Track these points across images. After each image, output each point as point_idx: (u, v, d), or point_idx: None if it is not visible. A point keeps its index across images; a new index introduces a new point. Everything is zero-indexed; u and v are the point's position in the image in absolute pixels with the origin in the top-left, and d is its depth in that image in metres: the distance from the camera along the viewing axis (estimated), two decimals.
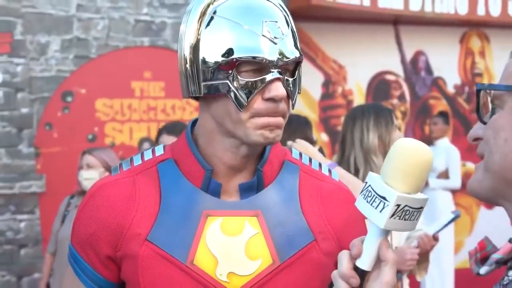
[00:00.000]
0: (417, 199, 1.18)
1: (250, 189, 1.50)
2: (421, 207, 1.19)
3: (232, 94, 1.40)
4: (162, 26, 7.13)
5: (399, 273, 3.25)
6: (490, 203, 1.08)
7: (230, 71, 1.41)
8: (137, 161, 1.56)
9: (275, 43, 1.41)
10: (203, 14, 1.45)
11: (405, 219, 1.18)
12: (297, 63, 1.47)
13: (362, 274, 1.19)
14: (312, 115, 8.22)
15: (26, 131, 6.46)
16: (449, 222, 3.54)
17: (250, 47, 1.40)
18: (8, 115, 6.38)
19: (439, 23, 8.85)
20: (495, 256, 1.03)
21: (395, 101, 8.76)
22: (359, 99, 8.45)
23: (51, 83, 6.64)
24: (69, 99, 6.72)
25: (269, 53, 1.40)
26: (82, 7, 6.76)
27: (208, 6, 1.45)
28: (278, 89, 1.40)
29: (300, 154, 1.64)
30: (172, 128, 4.04)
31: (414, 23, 8.74)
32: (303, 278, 1.47)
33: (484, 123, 1.07)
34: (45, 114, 6.62)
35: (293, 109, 1.49)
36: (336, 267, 1.42)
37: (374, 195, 1.19)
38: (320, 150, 3.49)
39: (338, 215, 1.55)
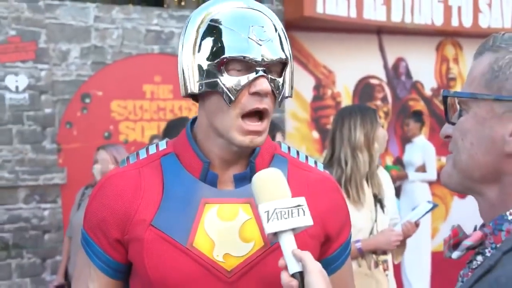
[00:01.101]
0: (281, 201, 1.29)
1: (243, 179, 1.50)
2: (298, 205, 1.30)
3: (221, 90, 1.41)
4: (170, 35, 7.14)
5: (385, 252, 3.26)
6: (460, 193, 1.09)
7: (220, 70, 1.42)
8: (143, 155, 1.57)
9: (260, 45, 1.41)
10: (201, 22, 1.46)
11: (285, 218, 1.28)
12: (284, 65, 1.47)
13: (303, 276, 1.26)
14: (305, 115, 8.27)
15: (49, 129, 6.48)
16: (429, 211, 3.53)
17: (237, 48, 1.40)
18: (33, 115, 6.39)
19: (418, 33, 8.86)
20: (466, 242, 1.03)
21: (378, 102, 8.77)
22: (346, 101, 8.46)
23: (71, 86, 6.65)
24: (87, 100, 6.72)
25: (254, 53, 1.40)
26: (99, 18, 6.78)
27: (206, 16, 1.46)
28: (262, 84, 1.40)
29: (289, 148, 1.64)
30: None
31: (395, 32, 8.74)
32: None
33: (453, 123, 1.07)
34: (66, 114, 6.63)
35: (279, 106, 1.50)
36: (320, 248, 1.54)
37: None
38: None
39: (323, 202, 1.54)
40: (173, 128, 4.02)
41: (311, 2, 7.60)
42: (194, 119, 1.57)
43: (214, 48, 1.43)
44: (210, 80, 1.43)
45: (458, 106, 1.06)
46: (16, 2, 6.32)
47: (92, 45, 6.74)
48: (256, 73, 1.41)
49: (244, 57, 1.40)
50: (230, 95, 1.40)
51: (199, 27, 1.47)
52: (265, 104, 1.42)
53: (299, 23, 7.60)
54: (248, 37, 1.41)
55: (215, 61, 1.42)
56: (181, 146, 1.53)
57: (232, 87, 1.41)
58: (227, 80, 1.41)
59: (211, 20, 1.45)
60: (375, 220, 3.27)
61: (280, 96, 1.47)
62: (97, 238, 1.52)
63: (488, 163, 1.00)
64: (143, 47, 7.00)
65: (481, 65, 1.03)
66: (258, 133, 1.43)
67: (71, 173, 6.34)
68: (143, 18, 7.01)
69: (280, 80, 1.46)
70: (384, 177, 3.49)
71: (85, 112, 6.71)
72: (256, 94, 1.41)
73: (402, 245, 3.39)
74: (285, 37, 1.50)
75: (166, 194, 1.49)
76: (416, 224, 3.36)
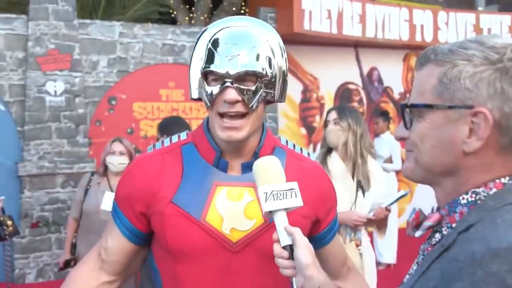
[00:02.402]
0: (278, 184, 1.28)
1: (249, 167, 1.43)
2: (291, 189, 1.29)
3: (203, 97, 1.43)
4: (182, 48, 7.15)
5: (353, 229, 3.26)
6: (421, 183, 1.06)
7: (204, 81, 1.43)
8: (167, 143, 1.55)
9: (229, 60, 1.38)
10: (204, 40, 1.47)
11: (280, 199, 1.28)
12: (257, 76, 1.41)
13: (292, 249, 1.26)
14: (294, 115, 8.24)
15: (82, 126, 6.50)
16: (399, 198, 3.44)
17: (211, 63, 1.40)
18: (68, 114, 6.42)
19: (388, 46, 8.85)
20: (426, 223, 1.02)
21: (355, 104, 8.67)
22: (329, 103, 8.43)
23: (100, 90, 6.67)
24: (113, 102, 6.74)
25: (220, 67, 1.38)
26: (123, 34, 6.80)
27: (208, 35, 1.47)
28: (229, 94, 1.38)
29: (287, 141, 1.61)
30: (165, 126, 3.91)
31: (369, 46, 8.72)
32: None
33: (407, 128, 1.03)
34: (96, 113, 6.65)
35: (253, 112, 1.42)
36: (311, 226, 1.54)
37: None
38: None
39: (314, 187, 1.52)
40: (167, 125, 3.96)
41: (300, 21, 7.62)
42: None
43: (203, 63, 1.43)
44: (200, 88, 1.46)
45: (408, 113, 1.02)
46: (55, 21, 6.33)
47: (117, 56, 6.76)
48: (223, 84, 1.39)
49: (212, 70, 1.39)
50: (207, 101, 1.41)
51: (200, 43, 1.48)
52: (237, 108, 1.39)
53: (289, 38, 7.56)
54: (221, 53, 1.40)
55: (200, 74, 1.44)
56: (198, 137, 1.52)
57: (209, 95, 1.41)
58: (207, 89, 1.41)
59: (209, 40, 1.45)
60: (354, 202, 3.26)
61: (252, 103, 1.41)
62: (124, 209, 1.52)
63: (448, 161, 0.97)
64: (160, 58, 7.01)
65: (429, 78, 0.99)
66: (234, 129, 1.41)
67: (99, 162, 6.33)
68: (160, 34, 7.02)
69: (252, 89, 1.40)
70: (375, 168, 3.43)
71: (111, 112, 6.73)
72: (226, 101, 1.39)
73: (384, 225, 3.38)
74: (271, 51, 1.45)
75: (184, 176, 1.48)
76: (387, 209, 3.33)
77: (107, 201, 3.65)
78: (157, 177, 1.48)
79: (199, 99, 1.49)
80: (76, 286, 1.55)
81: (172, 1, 8.42)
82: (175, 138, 1.56)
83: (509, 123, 0.92)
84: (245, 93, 1.39)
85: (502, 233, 0.85)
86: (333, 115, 3.39)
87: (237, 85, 1.39)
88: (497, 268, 0.79)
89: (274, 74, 1.44)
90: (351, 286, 1.66)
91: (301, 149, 1.62)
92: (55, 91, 6.34)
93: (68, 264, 4.11)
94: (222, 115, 1.41)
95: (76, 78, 6.46)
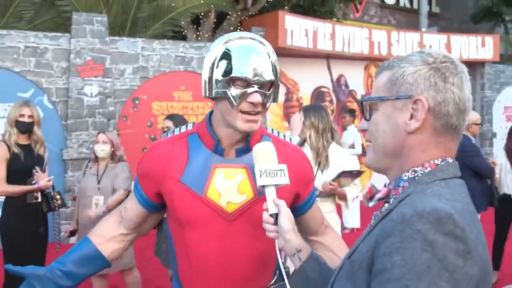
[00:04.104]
0: (271, 165, 1.28)
1: (242, 151, 1.45)
2: (281, 169, 1.29)
3: (228, 98, 1.37)
4: (191, 59, 7.16)
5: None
6: (379, 172, 1.04)
7: (229, 84, 1.37)
8: (177, 132, 1.52)
9: (257, 69, 1.36)
10: (219, 49, 1.40)
11: (272, 177, 1.28)
12: (272, 83, 1.40)
13: (277, 216, 1.25)
14: (279, 111, 8.28)
15: (112, 121, 6.54)
16: (338, 176, 3.22)
17: (241, 70, 1.36)
18: (101, 111, 6.46)
19: (352, 58, 8.89)
20: (378, 196, 1.03)
21: (327, 103, 8.76)
22: (306, 102, 8.46)
23: (126, 93, 6.69)
24: (136, 102, 6.76)
25: (252, 75, 1.35)
26: (144, 48, 6.81)
27: (223, 44, 1.41)
28: (256, 97, 1.36)
29: (272, 130, 1.57)
30: (171, 117, 3.86)
31: (338, 58, 8.75)
32: None
33: (367, 119, 1.03)
34: (123, 111, 6.67)
35: (267, 110, 1.43)
36: (293, 198, 1.51)
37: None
38: None
39: (295, 167, 1.48)
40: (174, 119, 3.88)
41: (283, 38, 7.68)
42: (212, 111, 1.50)
43: (226, 68, 1.37)
44: (222, 90, 1.37)
45: (368, 107, 1.02)
46: (91, 38, 6.38)
47: (140, 65, 6.78)
48: (252, 89, 1.36)
49: (246, 77, 1.35)
50: (234, 102, 1.36)
51: (217, 52, 1.40)
52: (258, 108, 1.38)
53: (275, 52, 7.65)
54: (249, 63, 1.35)
55: (226, 78, 1.36)
56: (201, 128, 1.49)
57: (236, 96, 1.36)
58: (233, 91, 1.36)
59: (226, 48, 1.39)
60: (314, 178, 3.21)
61: (268, 104, 1.42)
62: (140, 182, 1.53)
63: (395, 141, 0.97)
64: (173, 67, 7.02)
65: (382, 79, 1.00)
66: (254, 121, 1.39)
67: (126, 150, 6.15)
68: (173, 48, 7.03)
69: (268, 93, 1.40)
70: (335, 152, 3.36)
71: (135, 110, 6.75)
72: (251, 103, 1.36)
73: (344, 199, 3.33)
74: (275, 64, 1.42)
75: (190, 160, 1.44)
76: (331, 184, 3.24)
77: None
78: (166, 161, 1.45)
79: (211, 98, 1.43)
80: (101, 230, 1.59)
81: (183, 22, 8.47)
82: (183, 128, 1.52)
83: (441, 109, 0.94)
84: (265, 96, 1.38)
85: (428, 200, 0.86)
86: (301, 114, 3.42)
87: (261, 90, 1.37)
88: (421, 226, 0.81)
89: (278, 81, 1.45)
90: (328, 239, 1.64)
91: (284, 136, 1.58)
92: (91, 93, 6.39)
93: (73, 233, 4.04)
94: (243, 112, 1.37)
95: (108, 83, 6.50)
